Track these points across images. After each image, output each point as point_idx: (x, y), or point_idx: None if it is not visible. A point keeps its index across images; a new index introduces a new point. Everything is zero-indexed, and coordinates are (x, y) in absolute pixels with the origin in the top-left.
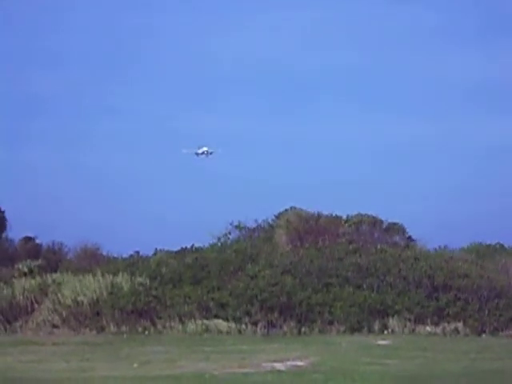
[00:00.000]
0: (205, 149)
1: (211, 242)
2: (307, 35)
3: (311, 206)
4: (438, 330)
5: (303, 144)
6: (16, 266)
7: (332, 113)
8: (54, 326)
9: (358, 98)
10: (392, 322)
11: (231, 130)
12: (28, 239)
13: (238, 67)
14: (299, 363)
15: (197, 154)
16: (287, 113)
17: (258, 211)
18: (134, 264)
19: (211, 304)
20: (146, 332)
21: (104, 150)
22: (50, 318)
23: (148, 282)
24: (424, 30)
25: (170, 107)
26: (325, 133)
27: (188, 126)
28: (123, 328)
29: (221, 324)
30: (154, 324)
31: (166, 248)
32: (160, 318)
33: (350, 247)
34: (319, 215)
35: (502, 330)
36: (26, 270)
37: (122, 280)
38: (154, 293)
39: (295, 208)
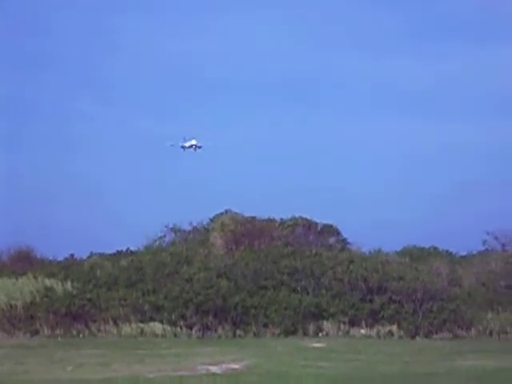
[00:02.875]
0: (193, 142)
1: (146, 244)
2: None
3: (246, 209)
4: (373, 332)
5: (239, 148)
6: None
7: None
8: None
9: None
10: (327, 325)
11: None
12: None
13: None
14: (234, 366)
15: (183, 147)
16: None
17: (193, 214)
18: (68, 267)
19: (146, 307)
20: (81, 335)
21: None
22: None
23: (82, 285)
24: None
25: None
26: (262, 136)
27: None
28: (57, 331)
29: (156, 327)
30: (88, 327)
31: (101, 251)
32: (95, 321)
33: (285, 250)
34: (254, 218)
35: (436, 333)
36: None
37: (56, 283)
38: (88, 296)
39: (230, 211)
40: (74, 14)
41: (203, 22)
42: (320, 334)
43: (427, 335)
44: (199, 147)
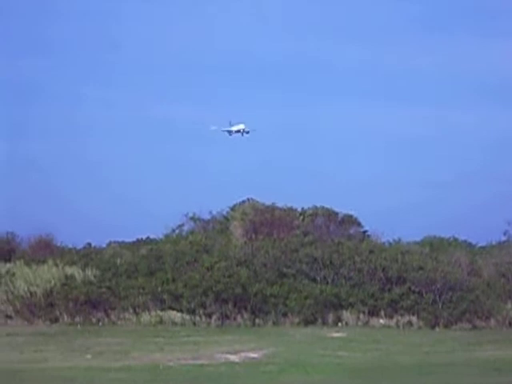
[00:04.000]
0: (241, 127)
1: (166, 233)
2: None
3: (266, 198)
4: (392, 322)
5: (258, 135)
6: None
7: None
8: (8, 317)
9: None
10: (346, 315)
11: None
12: None
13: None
14: (253, 355)
15: (229, 132)
16: (251, 101)
17: (213, 203)
18: (88, 255)
19: (165, 295)
20: (100, 323)
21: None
22: (3, 309)
23: (102, 273)
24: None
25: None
26: (278, 124)
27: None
28: (77, 319)
29: (175, 315)
30: (107, 315)
31: (121, 239)
32: (114, 309)
33: (305, 239)
34: (274, 207)
35: (456, 323)
36: None
37: (76, 271)
38: (107, 284)
39: (251, 200)
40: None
41: (208, 7)
42: (339, 324)
43: (446, 325)
44: (247, 132)
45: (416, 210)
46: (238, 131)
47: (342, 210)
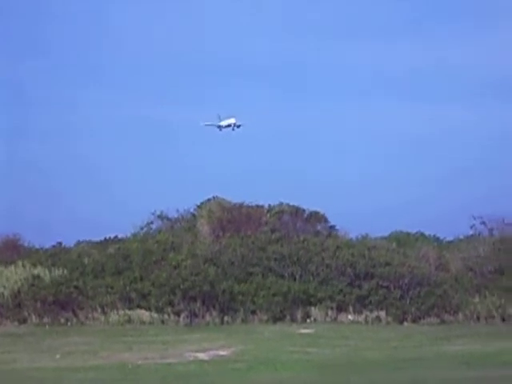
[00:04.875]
0: (232, 121)
1: (134, 232)
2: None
3: (233, 196)
4: (360, 318)
5: (226, 133)
6: None
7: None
8: None
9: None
10: (314, 311)
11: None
12: None
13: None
14: (222, 353)
15: (219, 127)
16: (214, 101)
17: (180, 201)
18: (55, 255)
19: (133, 294)
20: (68, 323)
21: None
22: None
23: (70, 272)
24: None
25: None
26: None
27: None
28: (45, 319)
29: (143, 314)
30: (76, 315)
31: (89, 239)
32: (82, 308)
33: (273, 236)
34: (241, 205)
35: (424, 318)
36: None
37: (44, 271)
38: (75, 284)
39: (218, 198)
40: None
41: (197, 7)
42: (308, 320)
43: (415, 320)
44: (238, 126)
45: (384, 207)
46: (229, 125)
47: (308, 206)
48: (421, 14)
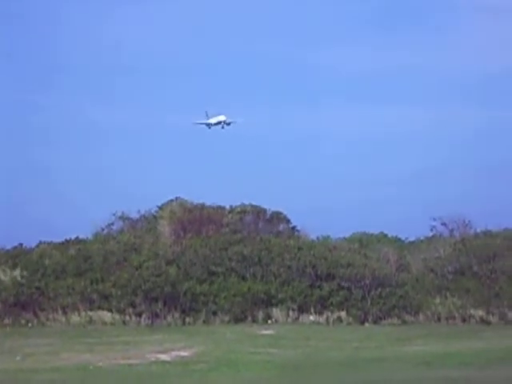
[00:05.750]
0: (221, 118)
1: (95, 233)
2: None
3: (195, 197)
4: (322, 319)
5: (186, 133)
6: None
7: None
8: None
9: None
10: (276, 312)
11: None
12: None
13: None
14: (184, 354)
15: (208, 125)
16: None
17: (142, 202)
18: (16, 256)
19: (95, 295)
20: (29, 324)
21: None
22: None
23: (31, 274)
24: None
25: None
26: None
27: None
28: (6, 320)
29: (105, 315)
30: (37, 316)
31: (50, 239)
32: (43, 310)
33: (234, 237)
34: (203, 206)
35: (385, 319)
36: None
37: (4, 272)
38: (36, 285)
39: (179, 198)
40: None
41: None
42: (269, 321)
43: (376, 321)
44: (228, 124)
45: (347, 208)
46: (219, 123)
47: (270, 207)
48: (382, 16)
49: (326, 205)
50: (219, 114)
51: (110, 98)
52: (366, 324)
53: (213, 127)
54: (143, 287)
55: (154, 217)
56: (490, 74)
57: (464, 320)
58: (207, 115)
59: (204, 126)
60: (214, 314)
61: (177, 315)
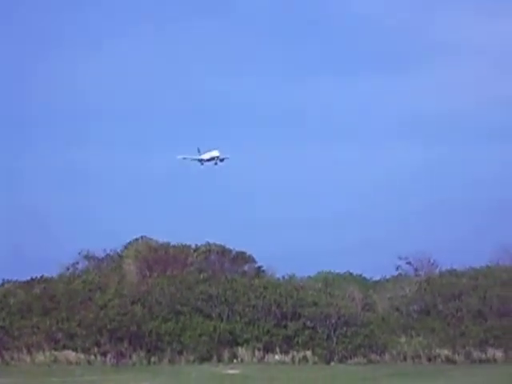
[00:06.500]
0: (215, 154)
1: (59, 272)
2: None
3: (160, 236)
4: (287, 358)
5: (152, 174)
6: None
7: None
8: None
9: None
10: (241, 351)
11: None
12: None
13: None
14: None
15: (200, 160)
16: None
17: (107, 241)
18: None
19: (60, 335)
20: None
21: None
22: None
23: None
24: None
25: None
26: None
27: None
28: None
29: (70, 355)
30: (1, 355)
31: (15, 278)
32: (8, 349)
33: (200, 276)
34: (168, 245)
35: (351, 358)
36: None
37: None
38: (1, 324)
39: (144, 238)
40: None
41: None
42: (235, 361)
43: (342, 360)
44: (221, 160)
45: (311, 247)
46: (212, 159)
47: (235, 246)
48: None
49: (292, 244)
50: (209, 150)
51: (83, 139)
52: (332, 363)
53: (205, 163)
54: (108, 326)
55: (120, 256)
56: (428, 114)
57: (430, 359)
58: (199, 151)
59: (196, 161)
60: (180, 353)
61: (142, 354)
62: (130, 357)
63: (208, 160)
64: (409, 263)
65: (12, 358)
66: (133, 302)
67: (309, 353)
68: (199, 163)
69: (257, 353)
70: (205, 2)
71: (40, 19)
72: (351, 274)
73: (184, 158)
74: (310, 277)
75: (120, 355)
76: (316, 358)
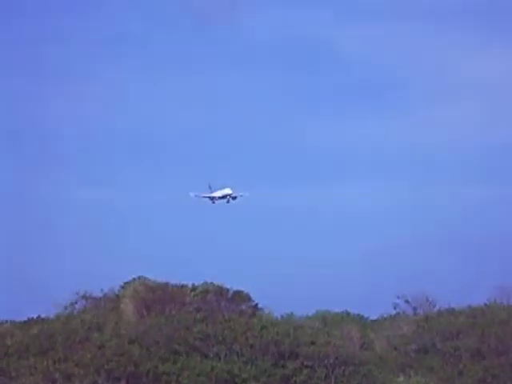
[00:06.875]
0: (227, 191)
1: (57, 312)
2: None
3: (158, 276)
4: None
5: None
6: None
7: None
8: None
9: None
10: None
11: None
12: None
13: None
14: None
15: (212, 198)
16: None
17: (104, 280)
18: None
19: (57, 375)
20: None
21: None
22: None
23: None
24: None
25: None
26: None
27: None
28: None
29: None
30: None
31: (12, 318)
32: None
33: (197, 316)
34: (166, 284)
35: None
36: None
37: None
38: None
39: (142, 277)
40: None
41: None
42: None
43: None
44: (234, 198)
45: (309, 285)
46: (224, 197)
47: (232, 285)
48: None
49: (290, 283)
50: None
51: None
52: None
53: (217, 201)
54: (106, 367)
55: (117, 296)
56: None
57: None
58: (210, 188)
59: (208, 199)
60: None
61: None
62: None
63: (220, 198)
64: (407, 302)
65: None
66: (130, 342)
67: None
68: (210, 201)
69: None
70: None
71: None
72: (349, 313)
73: (196, 196)
74: (307, 316)
75: None
76: None
